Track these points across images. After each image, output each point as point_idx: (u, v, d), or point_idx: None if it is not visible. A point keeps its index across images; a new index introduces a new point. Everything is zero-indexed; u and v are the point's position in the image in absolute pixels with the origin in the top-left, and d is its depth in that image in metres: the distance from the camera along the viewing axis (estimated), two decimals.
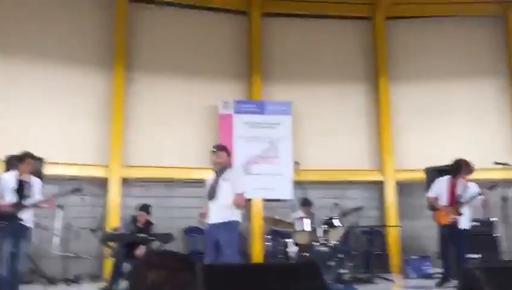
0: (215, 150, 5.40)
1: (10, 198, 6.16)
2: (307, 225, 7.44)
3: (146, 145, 9.91)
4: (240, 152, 10.08)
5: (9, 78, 9.20)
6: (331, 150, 10.37)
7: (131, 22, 10.21)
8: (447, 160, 7.41)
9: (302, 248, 7.37)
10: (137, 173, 9.71)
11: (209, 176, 5.58)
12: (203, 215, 5.28)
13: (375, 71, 10.84)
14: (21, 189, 6.25)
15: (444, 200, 6.66)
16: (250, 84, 10.59)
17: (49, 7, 9.80)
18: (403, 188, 10.28)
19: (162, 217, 8.82)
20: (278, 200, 10.06)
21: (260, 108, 10.35)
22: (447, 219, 6.56)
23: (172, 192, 10.05)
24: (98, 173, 9.40)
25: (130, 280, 1.21)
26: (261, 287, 3.33)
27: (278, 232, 8.63)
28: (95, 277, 8.52)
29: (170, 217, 9.46)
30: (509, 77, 10.64)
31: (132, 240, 6.87)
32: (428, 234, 9.20)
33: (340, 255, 7.15)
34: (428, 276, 8.31)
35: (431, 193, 6.87)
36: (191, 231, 9.68)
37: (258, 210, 10.03)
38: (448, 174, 6.81)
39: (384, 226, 9.90)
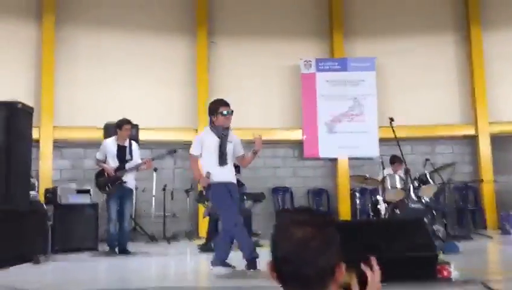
0: (230, 111, 4.89)
1: (112, 162, 6.59)
2: (397, 182, 7.30)
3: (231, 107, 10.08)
4: (323, 111, 10.01)
5: (103, 49, 9.65)
6: (419, 105, 9.99)
7: None
8: None
9: (393, 205, 7.26)
10: None
11: (198, 135, 5.31)
12: (207, 176, 4.79)
13: (466, 19, 10.19)
14: (121, 154, 6.67)
15: None
16: (331, 41, 10.37)
17: None
18: (497, 141, 9.74)
19: (247, 178, 9.02)
20: (364, 158, 9.94)
21: (343, 65, 10.13)
22: None
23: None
24: (188, 136, 9.74)
25: (275, 236, 1.25)
26: (372, 242, 3.36)
27: (366, 190, 8.58)
28: (190, 235, 8.97)
29: (255, 177, 9.65)
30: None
31: None
32: None
33: (433, 212, 6.98)
34: None
35: None
36: (277, 191, 9.85)
37: (343, 169, 9.99)
38: None
39: (478, 181, 9.49)
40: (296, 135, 10.07)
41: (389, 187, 7.34)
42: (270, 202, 9.71)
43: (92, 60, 9.59)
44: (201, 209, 8.78)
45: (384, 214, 7.40)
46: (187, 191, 9.18)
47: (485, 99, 9.84)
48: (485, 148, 9.72)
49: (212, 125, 4.85)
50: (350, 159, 9.99)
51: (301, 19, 10.54)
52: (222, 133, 4.81)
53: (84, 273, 5.11)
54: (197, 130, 9.76)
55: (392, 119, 5.46)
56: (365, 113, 10.00)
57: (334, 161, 10.14)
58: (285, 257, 1.23)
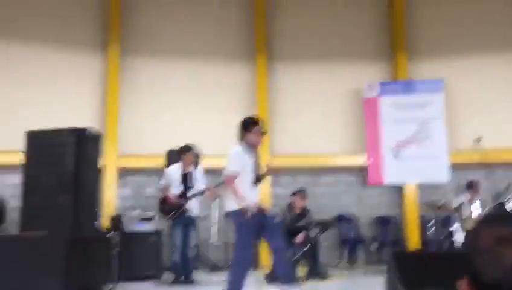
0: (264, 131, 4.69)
1: (177, 190, 6.52)
2: (475, 209, 6.82)
3: (291, 133, 9.92)
4: (388, 136, 9.61)
5: (164, 78, 9.79)
6: (492, 128, 9.40)
7: (270, 13, 10.26)
8: None
9: None
10: (283, 161, 9.75)
11: (236, 151, 4.64)
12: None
13: None
14: (185, 181, 6.60)
15: None
16: (394, 63, 10.05)
17: (192, 6, 10.24)
18: None
19: (309, 206, 8.75)
20: (432, 184, 9.42)
21: (408, 88, 9.73)
22: None
23: (318, 180, 9.94)
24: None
25: (478, 260, 1.04)
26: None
27: (437, 218, 8.05)
28: (254, 263, 8.72)
29: (317, 205, 9.33)
30: None
31: (291, 228, 6.85)
32: None
33: None
34: None
35: None
36: (340, 219, 9.47)
37: (411, 196, 9.50)
38: None
39: None
40: (359, 160, 9.70)
41: (466, 215, 6.88)
42: (334, 231, 9.34)
43: (154, 88, 9.73)
44: None
45: (462, 244, 6.92)
46: None
47: None
48: None
49: (245, 143, 4.60)
50: (418, 185, 9.51)
51: (362, 41, 10.30)
52: (255, 152, 4.60)
53: None
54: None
55: (479, 140, 5.00)
56: (433, 137, 9.51)
57: (400, 187, 9.68)
58: (496, 283, 0.97)
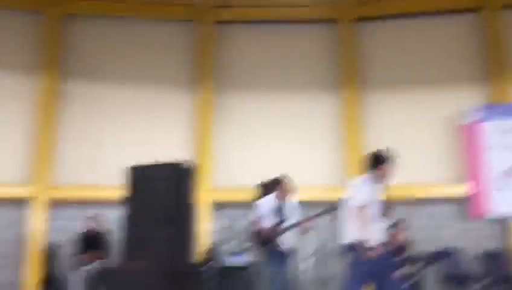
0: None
1: (270, 221, 6.42)
2: None
3: None
4: (492, 163, 8.93)
5: (254, 112, 9.94)
6: None
7: (358, 41, 10.14)
8: None
9: None
10: None
11: (364, 181, 4.55)
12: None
13: None
14: (280, 212, 6.49)
15: None
16: (494, 86, 9.44)
17: (280, 40, 10.39)
18: None
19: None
20: None
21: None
22: None
23: (415, 211, 9.41)
24: (337, 195, 9.38)
25: None
26: None
27: None
28: None
29: (415, 239, 8.82)
30: None
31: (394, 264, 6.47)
32: None
33: None
34: None
35: None
36: (440, 255, 8.82)
37: None
38: None
39: None
40: (457, 190, 9.10)
41: None
42: (437, 267, 8.72)
43: (245, 122, 9.91)
44: None
45: None
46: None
47: None
48: None
49: (376, 176, 4.48)
50: None
51: (456, 65, 9.83)
52: (383, 185, 4.48)
53: None
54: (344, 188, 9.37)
55: None
56: None
57: (507, 219, 8.90)
58: None
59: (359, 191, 4.40)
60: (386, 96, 9.92)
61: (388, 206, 4.47)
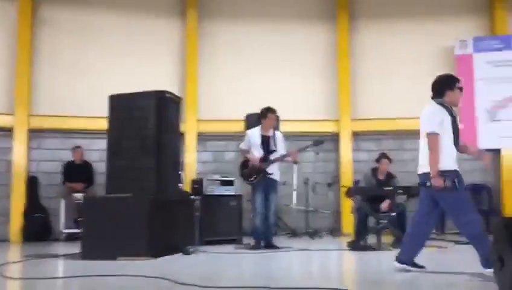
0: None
1: (257, 153, 6.36)
2: None
3: (374, 96, 9.43)
4: (482, 96, 8.84)
5: (242, 42, 9.58)
6: None
7: None
8: None
9: None
10: (366, 126, 9.33)
11: (437, 109, 4.16)
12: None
13: None
14: (266, 144, 6.42)
15: None
16: (491, 17, 9.15)
17: None
18: None
19: (395, 172, 8.31)
20: None
21: (506, 43, 8.85)
22: None
23: (404, 144, 9.40)
24: (329, 128, 9.31)
25: None
26: None
27: None
28: (334, 231, 8.51)
29: (404, 171, 8.85)
30: None
31: (378, 193, 6.50)
32: None
33: None
34: None
35: None
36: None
37: (509, 161, 8.74)
38: None
39: None
40: None
41: None
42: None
43: (233, 53, 9.56)
44: (346, 204, 8.29)
45: None
46: (329, 185, 8.75)
47: None
48: None
49: (445, 102, 4.18)
50: None
51: None
52: (454, 112, 4.18)
53: (231, 268, 4.91)
54: (338, 120, 9.28)
55: None
56: None
57: (495, 152, 8.91)
58: None
59: (432, 118, 4.11)
60: (380, 26, 9.58)
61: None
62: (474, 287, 3.62)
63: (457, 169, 4.05)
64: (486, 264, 3.76)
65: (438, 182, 3.91)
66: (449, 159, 4.03)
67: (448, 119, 4.08)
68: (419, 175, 4.25)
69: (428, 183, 4.00)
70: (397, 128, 9.25)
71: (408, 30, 9.44)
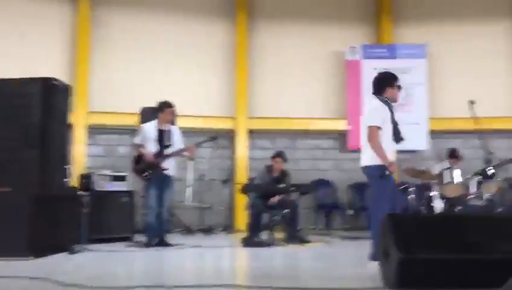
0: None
1: (152, 148, 6.16)
2: (457, 176, 6.72)
3: (270, 95, 9.62)
4: (369, 100, 9.41)
5: (139, 32, 9.23)
6: (474, 96, 9.27)
7: None
8: None
9: (451, 201, 6.69)
10: (262, 124, 9.49)
11: (378, 104, 4.40)
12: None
13: None
14: (162, 138, 6.23)
15: None
16: (379, 27, 9.78)
17: None
18: None
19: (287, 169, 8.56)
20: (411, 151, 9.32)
21: (391, 52, 9.52)
22: None
23: (298, 144, 9.73)
24: (225, 125, 9.31)
25: None
26: (473, 240, 2.84)
27: (416, 185, 7.93)
28: (228, 228, 8.54)
29: (296, 169, 9.14)
30: None
31: (272, 191, 6.61)
32: None
33: (499, 210, 6.37)
34: None
35: None
36: (318, 184, 9.29)
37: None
38: None
39: None
40: (340, 125, 9.51)
41: (448, 182, 6.77)
42: (310, 196, 9.18)
43: (128, 43, 9.18)
44: (240, 201, 8.35)
45: (441, 211, 6.84)
46: (224, 182, 8.77)
47: None
48: None
49: (385, 98, 4.39)
50: (398, 152, 9.38)
51: (347, 2, 9.96)
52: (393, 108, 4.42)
53: (121, 267, 4.69)
54: (234, 118, 9.32)
55: (472, 102, 4.69)
56: (414, 103, 9.37)
57: None
58: None
59: (373, 113, 4.33)
60: (278, 27, 9.78)
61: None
62: (359, 279, 3.81)
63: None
64: (374, 256, 3.97)
65: (392, 169, 4.18)
66: (387, 153, 4.24)
67: (389, 115, 4.32)
68: (367, 167, 4.36)
69: (387, 172, 4.18)
70: (291, 127, 9.54)
71: (304, 33, 9.75)
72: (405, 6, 9.80)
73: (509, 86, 9.54)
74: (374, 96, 4.51)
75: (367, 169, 4.39)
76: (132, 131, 7.38)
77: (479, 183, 6.64)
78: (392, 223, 3.05)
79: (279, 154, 7.02)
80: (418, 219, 3.31)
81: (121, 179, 6.94)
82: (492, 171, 6.49)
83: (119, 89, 8.93)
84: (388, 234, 3.02)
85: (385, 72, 4.65)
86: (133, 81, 9.02)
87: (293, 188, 6.37)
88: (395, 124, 4.39)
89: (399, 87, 4.49)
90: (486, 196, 6.56)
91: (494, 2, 9.77)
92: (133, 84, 9.00)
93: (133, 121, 8.04)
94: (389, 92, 4.43)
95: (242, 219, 8.69)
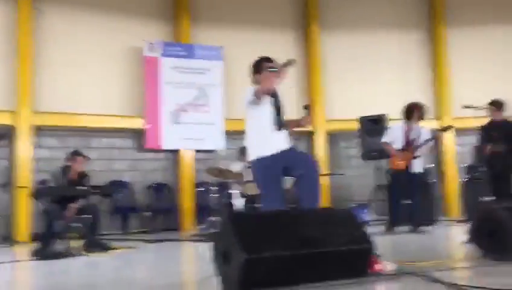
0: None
1: None
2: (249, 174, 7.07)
3: (60, 88, 8.68)
4: (167, 99, 9.28)
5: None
6: None
7: None
8: (377, 110, 7.81)
9: (250, 198, 7.01)
10: (50, 120, 8.48)
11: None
12: None
13: (305, 19, 10.54)
14: None
15: (398, 145, 6.60)
16: (177, 25, 9.71)
17: None
18: (333, 138, 10.34)
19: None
20: (208, 151, 9.54)
21: (189, 52, 9.56)
22: (401, 164, 6.53)
23: (90, 142, 9.00)
24: (4, 120, 8.03)
25: None
26: (308, 234, 2.90)
27: (220, 183, 8.10)
28: (7, 239, 7.35)
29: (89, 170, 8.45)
30: (430, 30, 10.92)
31: (70, 194, 5.87)
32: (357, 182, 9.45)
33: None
34: (366, 223, 8.41)
35: (385, 139, 6.77)
36: (114, 185, 8.71)
37: (187, 161, 9.41)
38: (400, 121, 6.74)
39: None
40: (137, 123, 9.13)
41: (246, 180, 7.05)
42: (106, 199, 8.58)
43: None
44: (22, 208, 7.32)
45: (242, 208, 7.09)
46: (2, 186, 7.55)
47: (322, 98, 10.27)
48: (321, 144, 10.15)
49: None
50: (194, 151, 9.47)
51: None
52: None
53: None
54: (15, 112, 8.10)
55: (306, 107, 4.68)
56: (211, 104, 9.58)
57: (176, 152, 9.48)
58: None
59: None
60: (71, 15, 8.92)
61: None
62: (192, 284, 3.60)
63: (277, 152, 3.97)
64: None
65: None
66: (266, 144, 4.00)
67: (267, 100, 3.97)
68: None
69: None
70: (84, 124, 8.77)
71: (101, 25, 9.13)
72: (203, 8, 9.94)
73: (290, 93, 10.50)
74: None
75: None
76: None
77: None
78: (234, 222, 2.94)
79: (79, 153, 6.30)
80: (257, 217, 3.28)
81: None
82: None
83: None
84: (229, 234, 2.90)
85: (257, 58, 4.26)
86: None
87: (96, 191, 5.77)
88: (277, 110, 4.11)
89: (269, 69, 4.02)
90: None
91: (283, 12, 10.61)
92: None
93: None
94: (259, 76, 4.09)
95: (25, 228, 7.62)
